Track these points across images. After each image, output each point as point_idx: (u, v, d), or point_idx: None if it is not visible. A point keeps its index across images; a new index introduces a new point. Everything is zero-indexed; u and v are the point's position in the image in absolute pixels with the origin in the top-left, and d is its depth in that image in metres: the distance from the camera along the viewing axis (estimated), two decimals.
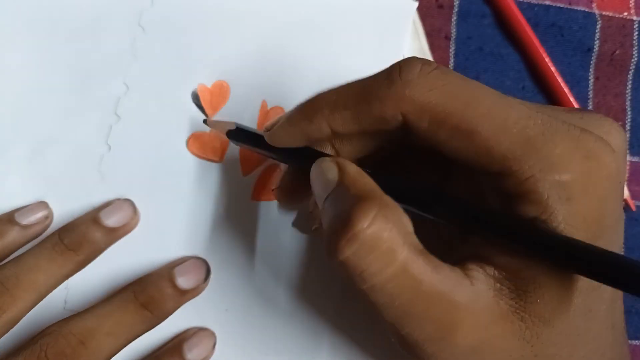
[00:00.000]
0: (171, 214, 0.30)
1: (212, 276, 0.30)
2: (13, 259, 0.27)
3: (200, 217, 0.30)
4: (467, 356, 0.19)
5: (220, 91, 0.30)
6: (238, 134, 0.27)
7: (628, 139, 0.35)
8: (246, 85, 0.31)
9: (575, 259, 0.18)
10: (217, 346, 0.30)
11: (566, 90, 0.33)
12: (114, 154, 0.29)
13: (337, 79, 0.30)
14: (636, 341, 0.35)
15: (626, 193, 0.34)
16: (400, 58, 0.31)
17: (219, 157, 0.30)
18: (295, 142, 0.23)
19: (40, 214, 0.28)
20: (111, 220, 0.28)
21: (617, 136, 0.22)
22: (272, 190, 0.28)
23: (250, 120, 0.30)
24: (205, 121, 0.29)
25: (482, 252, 0.20)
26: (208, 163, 0.30)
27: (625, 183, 0.34)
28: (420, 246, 0.19)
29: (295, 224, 0.30)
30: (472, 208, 0.20)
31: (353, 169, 0.21)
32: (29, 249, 0.27)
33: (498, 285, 0.20)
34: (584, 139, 0.19)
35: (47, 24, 0.29)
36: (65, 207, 0.29)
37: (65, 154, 0.29)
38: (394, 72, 0.20)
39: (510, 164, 0.19)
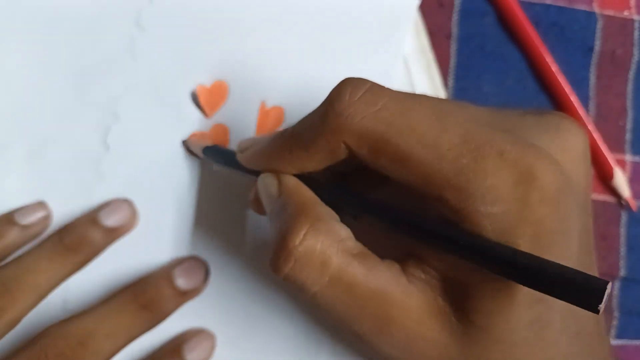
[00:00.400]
0: (171, 214, 0.30)
1: (212, 276, 0.29)
2: (13, 260, 0.27)
3: (200, 217, 0.30)
4: (404, 347, 0.20)
5: (219, 91, 0.30)
6: (213, 151, 0.28)
7: (628, 139, 0.35)
8: (245, 85, 0.30)
9: (504, 265, 0.18)
10: (216, 347, 0.30)
11: (567, 89, 0.33)
12: (112, 153, 0.29)
13: (337, 78, 0.30)
14: (636, 341, 0.35)
15: (627, 193, 0.34)
16: (400, 57, 0.31)
17: None
18: (262, 169, 0.24)
19: (39, 214, 0.28)
20: (110, 220, 0.28)
21: (575, 139, 0.21)
22: (250, 201, 0.28)
23: (249, 121, 0.30)
24: (184, 142, 0.30)
25: (420, 252, 0.21)
26: (208, 163, 0.30)
27: (626, 181, 0.34)
28: (356, 249, 0.20)
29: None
30: (404, 213, 0.20)
31: (291, 182, 0.22)
32: (29, 250, 0.27)
33: (435, 283, 0.20)
34: (520, 162, 0.18)
35: (45, 24, 0.29)
36: (64, 207, 0.29)
37: (63, 154, 0.29)
38: (326, 105, 0.20)
39: (445, 192, 0.19)
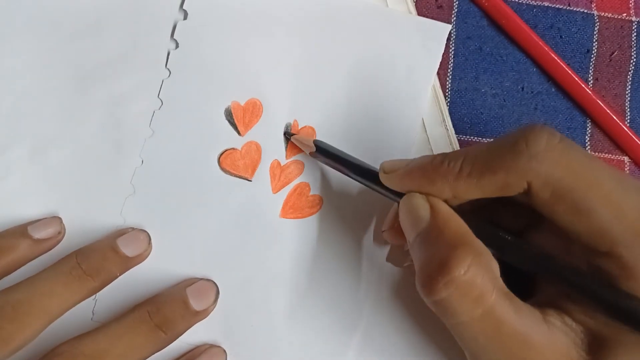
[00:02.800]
0: (201, 229, 0.30)
1: (237, 292, 0.30)
2: (26, 281, 0.26)
3: (229, 232, 0.30)
4: None
5: (253, 109, 0.30)
6: (323, 147, 0.29)
7: None
8: (278, 104, 0.31)
9: None
10: None
11: (567, 89, 0.34)
12: (146, 167, 0.29)
13: (368, 101, 0.31)
14: None
15: None
16: (432, 82, 0.32)
17: (250, 174, 0.30)
18: (410, 190, 0.24)
19: (53, 229, 0.28)
20: (129, 249, 0.28)
21: None
22: (382, 232, 0.28)
23: (281, 139, 0.31)
24: (287, 134, 0.30)
25: (561, 303, 0.22)
26: (239, 180, 0.30)
27: None
28: (506, 289, 0.22)
29: (388, 258, 0.31)
30: (557, 263, 0.22)
31: (445, 209, 0.23)
32: (44, 271, 0.26)
33: (573, 335, 0.21)
34: None
35: (49, 25, 0.29)
36: (65, 207, 0.29)
37: (66, 154, 0.29)
38: (520, 143, 0.22)
39: (619, 249, 0.20)
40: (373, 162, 0.28)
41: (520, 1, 0.34)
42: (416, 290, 0.23)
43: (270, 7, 0.30)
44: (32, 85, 0.29)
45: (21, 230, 0.27)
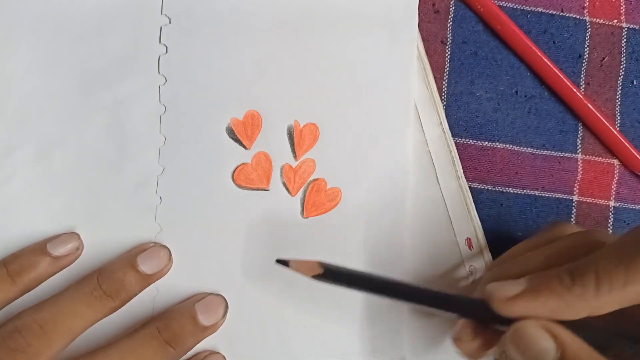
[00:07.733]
0: (232, 248, 0.30)
1: (277, 299, 0.30)
2: (50, 300, 0.27)
3: (259, 245, 0.31)
4: None
5: (253, 121, 0.31)
6: (327, 275, 0.26)
7: None
8: (275, 109, 0.31)
9: None
10: None
11: (559, 94, 0.34)
12: (165, 203, 0.30)
13: (359, 85, 0.32)
14: None
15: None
16: (415, 52, 0.32)
17: (266, 184, 0.31)
18: (534, 316, 0.22)
19: (71, 246, 0.28)
20: (148, 266, 0.28)
21: None
22: (454, 339, 0.26)
23: (286, 142, 0.31)
24: (279, 261, 0.28)
25: None
26: (257, 192, 0.31)
27: (613, 186, 0.35)
28: None
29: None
30: None
31: (573, 342, 0.21)
32: (67, 290, 0.27)
33: None
34: None
35: (53, 28, 0.29)
36: (69, 208, 0.29)
37: (70, 156, 0.29)
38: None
39: None
40: (370, 140, 0.30)
41: (514, 7, 0.34)
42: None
43: (249, 13, 0.31)
44: (36, 88, 0.29)
45: (40, 248, 0.28)
